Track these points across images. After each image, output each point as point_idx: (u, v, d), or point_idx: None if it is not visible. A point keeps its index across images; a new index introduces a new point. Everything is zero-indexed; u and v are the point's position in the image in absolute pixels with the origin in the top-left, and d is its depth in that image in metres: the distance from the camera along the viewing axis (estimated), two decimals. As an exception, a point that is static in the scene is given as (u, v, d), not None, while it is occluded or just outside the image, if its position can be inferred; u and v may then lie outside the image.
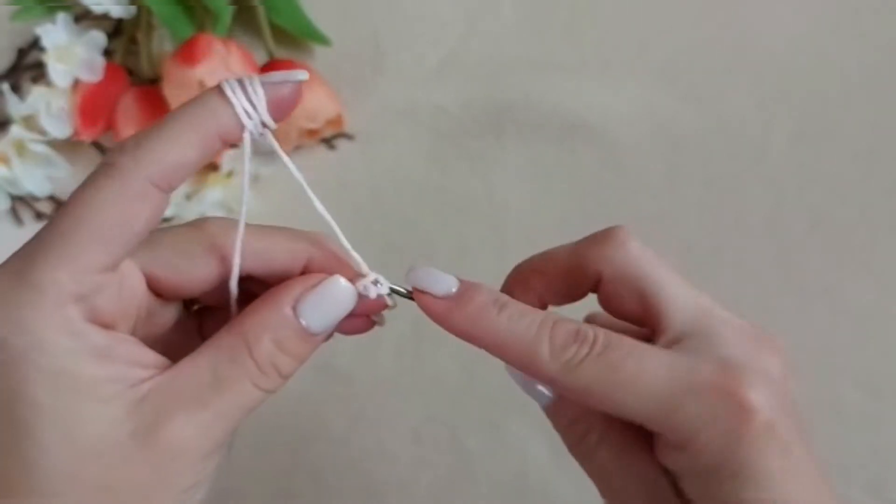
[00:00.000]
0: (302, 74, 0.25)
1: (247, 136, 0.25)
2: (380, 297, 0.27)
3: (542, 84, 0.51)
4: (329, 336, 0.28)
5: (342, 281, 0.26)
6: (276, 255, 0.27)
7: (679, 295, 0.26)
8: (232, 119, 0.24)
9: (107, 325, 0.24)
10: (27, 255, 0.23)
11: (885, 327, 0.48)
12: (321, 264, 0.27)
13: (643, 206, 0.49)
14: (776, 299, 0.48)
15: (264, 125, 0.25)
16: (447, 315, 0.26)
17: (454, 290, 0.26)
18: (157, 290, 0.27)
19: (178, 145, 0.24)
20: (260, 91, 0.24)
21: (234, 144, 0.25)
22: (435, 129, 0.51)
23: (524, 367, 0.26)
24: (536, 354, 0.25)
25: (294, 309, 0.25)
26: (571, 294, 0.29)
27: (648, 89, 0.51)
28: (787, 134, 0.50)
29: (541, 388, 0.28)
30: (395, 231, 0.48)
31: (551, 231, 0.48)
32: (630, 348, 0.25)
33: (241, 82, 0.24)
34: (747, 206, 0.49)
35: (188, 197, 0.48)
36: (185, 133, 0.24)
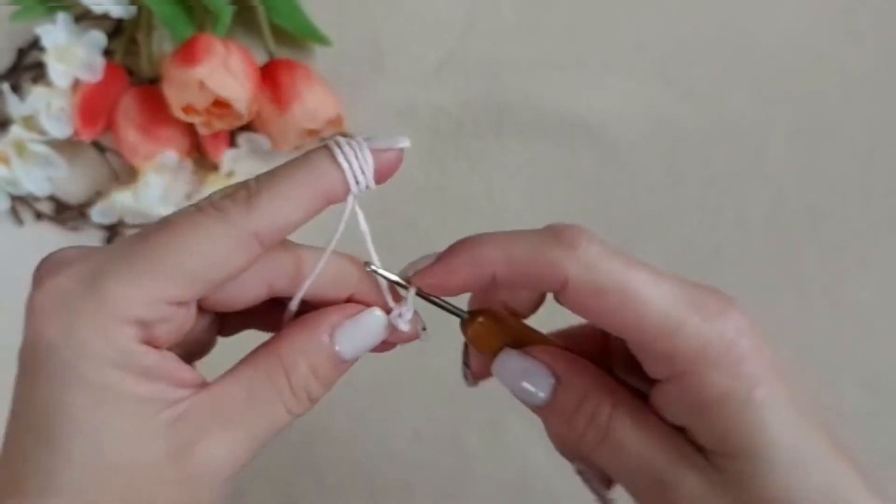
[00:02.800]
0: (404, 141, 0.26)
1: (351, 199, 0.25)
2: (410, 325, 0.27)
3: (542, 83, 0.51)
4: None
5: (378, 313, 0.27)
6: (326, 282, 0.27)
7: (652, 281, 0.25)
8: (340, 183, 0.25)
9: (157, 346, 0.24)
10: (110, 260, 0.23)
11: (885, 325, 0.48)
12: (365, 295, 0.27)
13: (642, 205, 0.49)
14: (775, 297, 0.48)
15: (367, 187, 0.25)
16: (446, 263, 0.26)
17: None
18: (200, 306, 0.27)
19: (288, 205, 0.24)
20: (370, 158, 0.25)
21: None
22: (434, 128, 0.51)
23: (538, 272, 0.25)
24: (551, 254, 0.24)
25: (330, 336, 0.26)
26: (536, 301, 0.28)
27: (648, 88, 0.51)
28: (786, 133, 0.50)
29: (534, 388, 0.27)
30: (394, 231, 0.48)
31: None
32: (639, 261, 0.25)
33: (350, 146, 0.25)
34: (747, 204, 0.49)
35: (188, 196, 0.48)
36: (295, 194, 0.24)
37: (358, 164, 0.25)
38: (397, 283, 0.27)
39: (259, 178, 0.24)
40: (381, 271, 0.27)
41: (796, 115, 0.50)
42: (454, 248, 0.26)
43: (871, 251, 0.48)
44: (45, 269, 0.24)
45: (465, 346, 0.29)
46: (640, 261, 0.25)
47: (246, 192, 0.24)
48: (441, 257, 0.26)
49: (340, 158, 0.25)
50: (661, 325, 0.24)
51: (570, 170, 0.50)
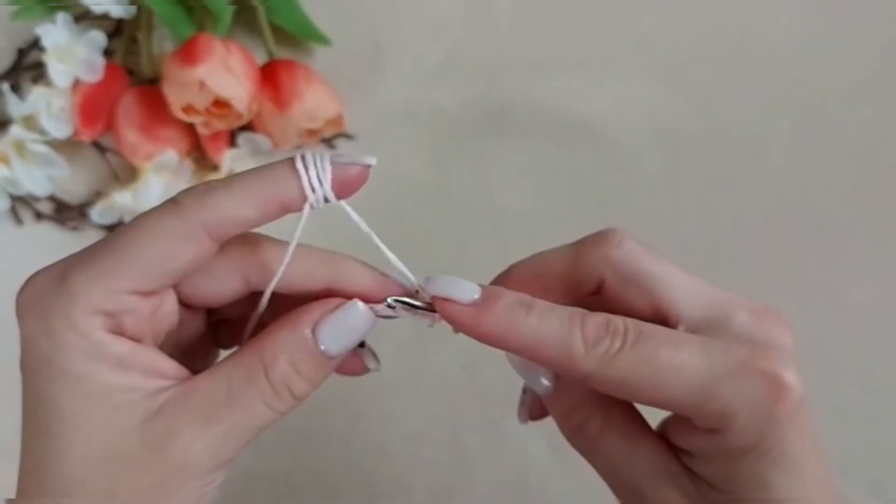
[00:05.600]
0: (371, 159, 0.26)
1: (306, 208, 0.26)
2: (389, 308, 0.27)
3: (542, 84, 0.51)
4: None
5: (361, 306, 0.27)
6: (298, 276, 0.27)
7: (684, 286, 0.26)
8: (296, 190, 0.25)
9: (133, 339, 0.25)
10: (77, 259, 0.24)
11: (885, 326, 0.48)
12: (342, 288, 0.27)
13: (642, 206, 0.49)
14: (775, 299, 0.47)
15: (326, 200, 0.26)
16: (475, 321, 0.25)
17: (476, 296, 0.26)
18: (181, 300, 0.27)
19: (239, 202, 0.25)
20: (328, 168, 0.25)
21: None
22: (435, 128, 0.51)
23: (558, 365, 0.25)
24: (571, 351, 0.25)
25: (313, 332, 0.26)
26: (569, 298, 0.28)
27: (648, 89, 0.51)
28: (786, 134, 0.50)
29: (542, 378, 0.28)
30: (394, 231, 0.48)
31: (551, 230, 0.48)
32: (663, 336, 0.25)
33: (313, 157, 0.25)
34: (747, 205, 0.49)
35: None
36: (248, 193, 0.25)
37: (315, 173, 0.25)
38: (424, 309, 0.27)
39: (222, 178, 0.26)
40: (403, 299, 0.27)
41: (797, 116, 0.50)
42: (494, 299, 0.26)
43: (871, 252, 0.48)
44: (30, 276, 0.25)
45: (524, 391, 0.30)
46: (671, 334, 0.25)
47: (203, 187, 0.25)
48: (479, 306, 0.26)
49: (299, 165, 0.25)
50: (692, 398, 0.24)
51: (571, 170, 0.50)
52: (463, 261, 0.48)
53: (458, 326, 0.26)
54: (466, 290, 0.26)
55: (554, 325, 0.25)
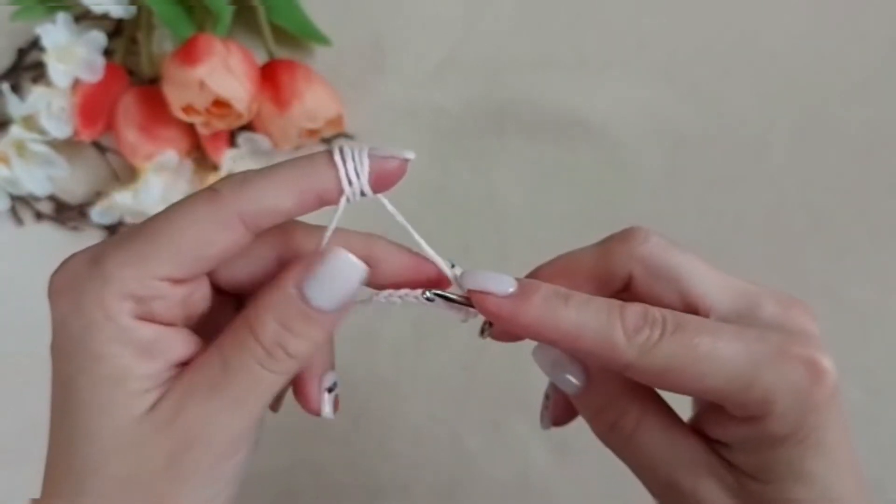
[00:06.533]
0: (409, 153, 0.26)
1: (343, 201, 0.26)
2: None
3: (543, 83, 0.51)
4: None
5: (345, 255, 0.25)
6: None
7: (712, 278, 0.27)
8: (333, 182, 0.25)
9: (163, 324, 0.25)
10: (112, 243, 0.25)
11: (886, 326, 0.48)
12: (378, 268, 0.27)
13: (644, 205, 0.49)
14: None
15: (362, 193, 0.26)
16: (515, 313, 0.25)
17: (512, 289, 0.25)
18: (214, 284, 0.27)
19: (276, 192, 0.25)
20: (366, 162, 0.25)
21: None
22: (435, 128, 0.51)
23: (599, 355, 0.25)
24: (612, 341, 0.25)
25: (300, 288, 0.25)
26: (598, 295, 0.28)
27: (649, 88, 0.51)
28: (787, 133, 0.50)
29: (569, 376, 0.27)
30: (395, 231, 0.48)
31: (552, 230, 0.48)
32: (700, 325, 0.25)
33: (351, 150, 0.25)
34: (747, 205, 0.49)
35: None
36: (285, 183, 0.25)
37: (353, 166, 0.25)
38: (461, 303, 0.27)
39: (260, 168, 0.26)
40: (441, 292, 0.27)
41: (798, 116, 0.50)
42: (529, 291, 0.25)
43: (872, 251, 0.48)
44: (64, 259, 0.25)
45: (546, 396, 0.30)
46: (704, 323, 0.25)
47: (241, 177, 0.25)
48: (516, 298, 0.25)
49: (336, 158, 0.25)
50: (733, 384, 0.24)
51: (572, 170, 0.50)
52: (464, 261, 0.48)
53: (496, 319, 0.26)
54: (503, 283, 0.26)
55: (593, 316, 0.25)
